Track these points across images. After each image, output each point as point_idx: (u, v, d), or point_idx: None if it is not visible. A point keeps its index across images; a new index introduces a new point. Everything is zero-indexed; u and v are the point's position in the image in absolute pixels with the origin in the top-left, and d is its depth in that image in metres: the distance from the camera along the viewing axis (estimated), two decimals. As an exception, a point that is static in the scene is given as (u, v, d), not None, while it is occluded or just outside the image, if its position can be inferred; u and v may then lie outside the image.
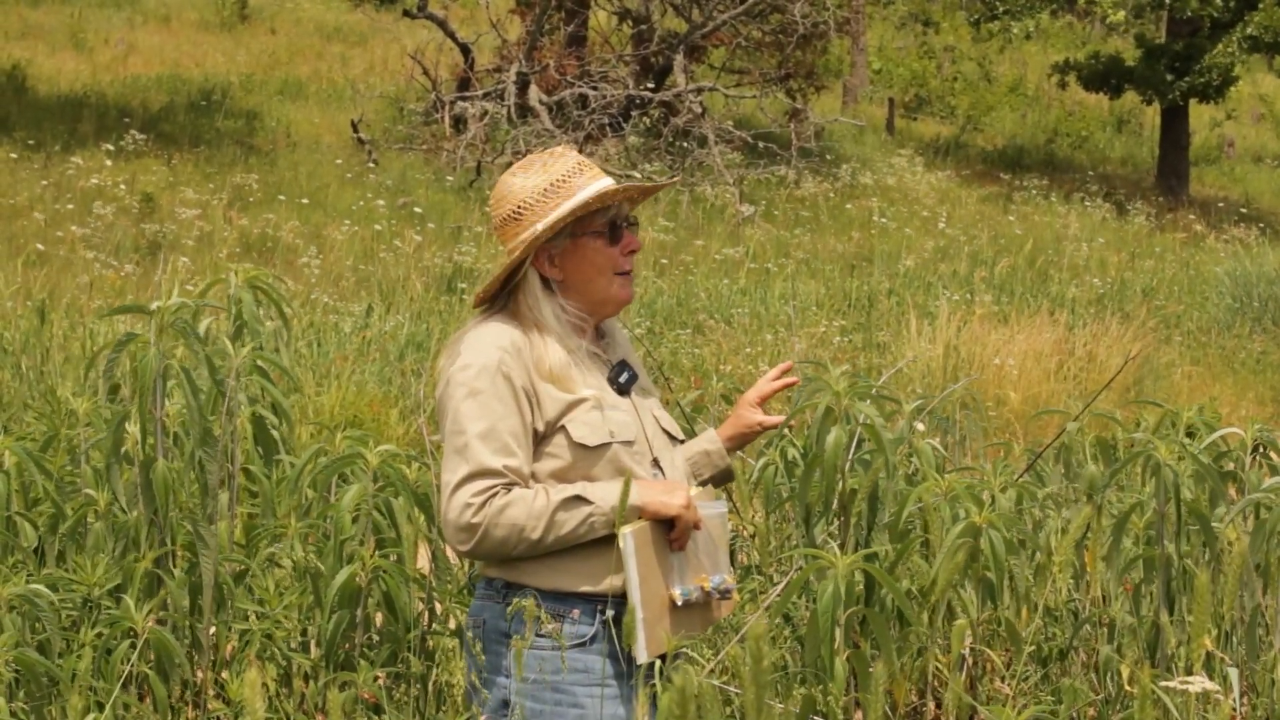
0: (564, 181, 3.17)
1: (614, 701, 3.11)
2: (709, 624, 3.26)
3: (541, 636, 3.08)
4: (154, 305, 3.86)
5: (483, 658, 3.17)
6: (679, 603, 3.12)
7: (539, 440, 3.11)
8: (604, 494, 3.06)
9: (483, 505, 3.02)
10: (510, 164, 17.30)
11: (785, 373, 3.51)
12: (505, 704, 3.12)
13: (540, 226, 3.14)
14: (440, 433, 3.14)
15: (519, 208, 3.18)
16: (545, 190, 3.16)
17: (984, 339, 10.97)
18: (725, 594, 3.22)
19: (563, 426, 3.10)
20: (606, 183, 3.19)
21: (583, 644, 3.11)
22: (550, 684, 3.08)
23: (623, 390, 3.24)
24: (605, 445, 3.13)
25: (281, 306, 4.41)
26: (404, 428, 8.51)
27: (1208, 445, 4.35)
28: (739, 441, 3.51)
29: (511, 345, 3.11)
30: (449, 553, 4.35)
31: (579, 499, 3.05)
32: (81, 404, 4.47)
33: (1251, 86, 31.56)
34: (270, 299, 4.37)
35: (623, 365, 3.27)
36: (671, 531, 3.13)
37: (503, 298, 3.23)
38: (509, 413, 3.06)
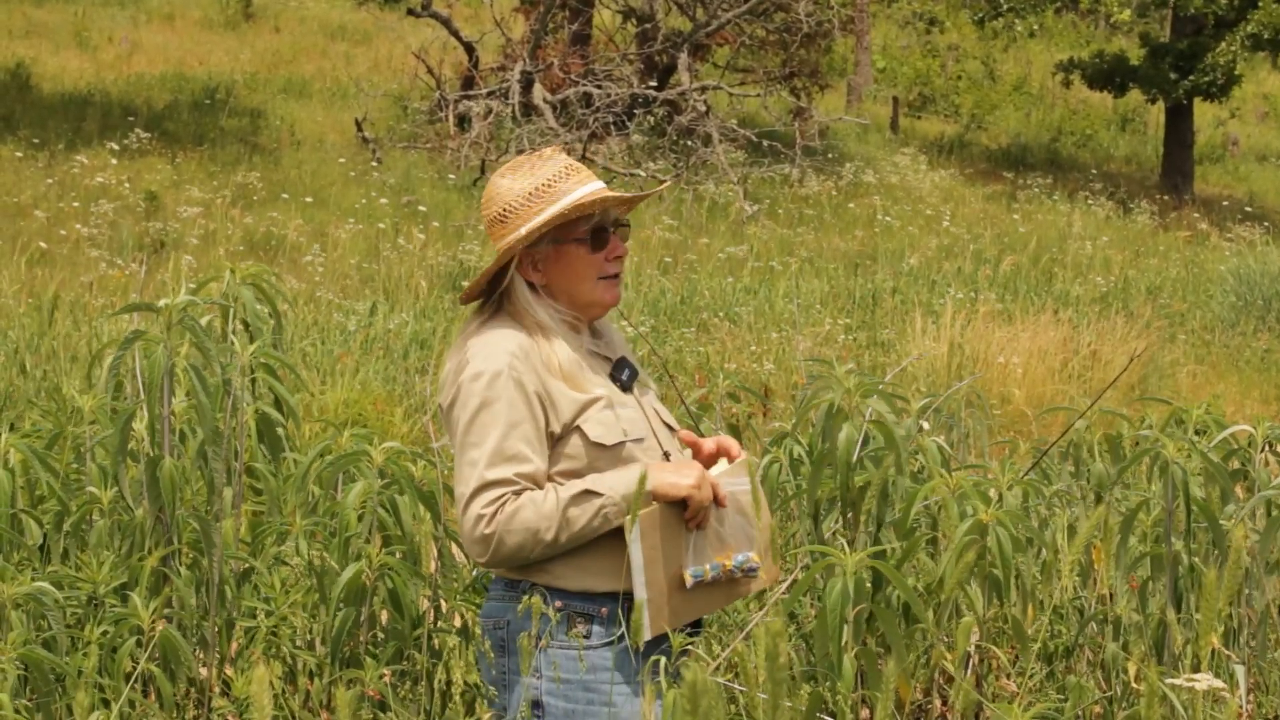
0: (549, 186, 3.16)
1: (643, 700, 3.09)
2: (732, 599, 3.23)
3: (572, 637, 3.06)
4: (161, 303, 3.86)
5: (492, 657, 3.16)
6: (689, 584, 3.09)
7: (555, 442, 3.10)
8: (612, 483, 3.04)
9: (494, 515, 3.01)
10: (512, 163, 17.36)
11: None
12: (535, 704, 3.09)
13: (522, 231, 3.13)
14: (451, 441, 3.12)
15: (504, 210, 3.17)
16: (530, 194, 3.16)
17: (988, 337, 10.97)
18: (750, 571, 3.17)
19: (578, 427, 3.09)
20: (593, 187, 3.18)
21: (612, 643, 3.09)
22: (581, 683, 3.06)
23: (625, 387, 3.24)
24: (620, 444, 3.13)
25: (276, 304, 4.40)
26: (408, 426, 8.51)
27: (1218, 443, 4.34)
28: None
29: (520, 350, 3.09)
30: (455, 550, 4.35)
31: (588, 493, 3.03)
32: (86, 401, 4.47)
33: (1255, 85, 31.55)
34: (266, 297, 4.36)
35: (623, 362, 3.27)
36: (686, 512, 3.10)
37: (494, 300, 3.22)
38: (522, 419, 3.05)
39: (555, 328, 3.16)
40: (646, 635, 3.02)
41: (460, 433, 3.07)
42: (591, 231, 3.18)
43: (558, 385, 3.10)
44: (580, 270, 3.18)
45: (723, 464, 3.21)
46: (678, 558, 3.09)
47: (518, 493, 3.02)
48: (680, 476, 3.09)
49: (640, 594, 3.02)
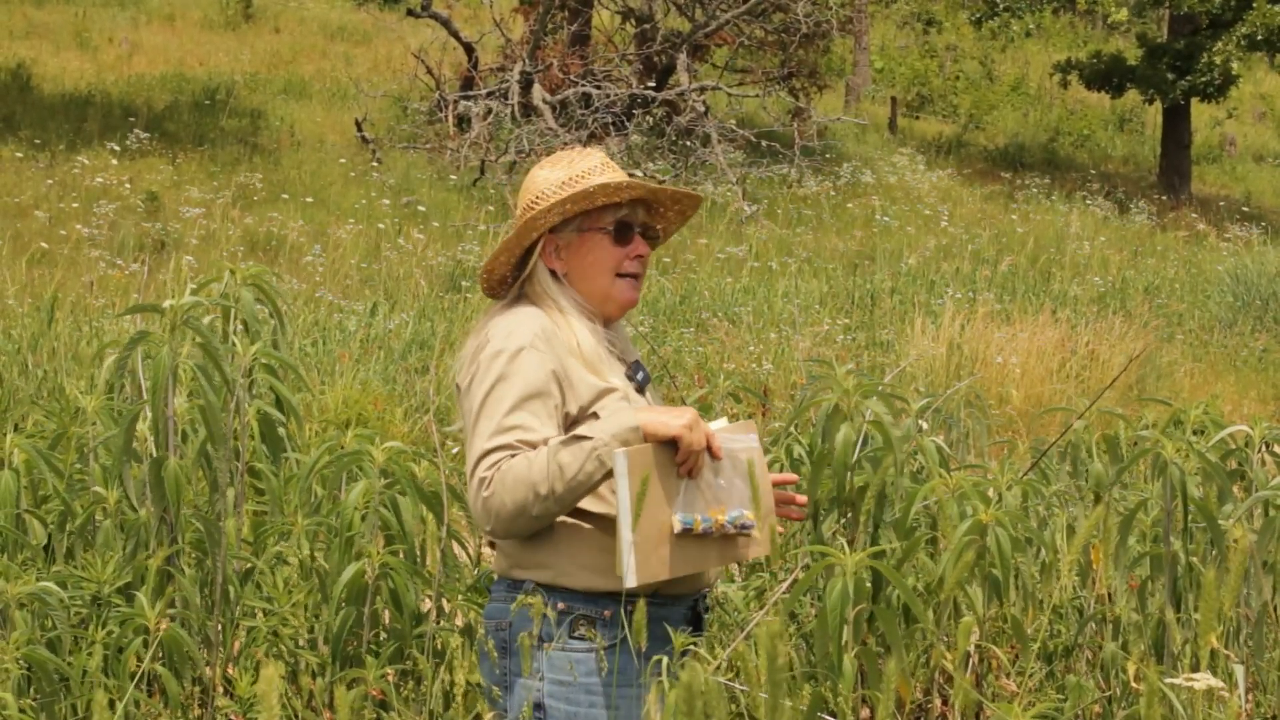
0: (583, 177, 3.19)
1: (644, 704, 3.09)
2: (726, 560, 3.17)
3: (576, 638, 3.06)
4: (166, 304, 3.88)
5: (494, 658, 3.16)
6: (677, 529, 3.01)
7: (569, 425, 3.08)
8: (601, 427, 2.99)
9: (492, 479, 2.98)
10: (514, 163, 17.43)
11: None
12: (538, 707, 3.07)
13: (546, 205, 3.16)
14: (466, 420, 3.10)
15: (537, 198, 3.21)
16: (563, 183, 3.19)
17: (987, 337, 10.99)
18: (744, 529, 3.09)
19: (594, 414, 3.09)
20: (622, 181, 3.21)
21: (615, 645, 3.08)
22: (584, 686, 3.05)
23: (640, 389, 3.25)
24: None
25: (277, 304, 4.41)
26: (408, 425, 8.53)
27: (1215, 443, 4.36)
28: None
29: (542, 330, 3.10)
30: (456, 550, 4.37)
31: (576, 437, 2.98)
32: (90, 402, 4.49)
33: (1252, 85, 31.57)
34: (267, 297, 4.38)
35: (638, 364, 3.28)
36: (678, 455, 3.04)
37: (516, 288, 3.23)
38: (535, 393, 3.04)
39: (576, 314, 3.18)
40: (631, 581, 2.96)
41: (475, 408, 3.06)
42: (617, 224, 3.21)
43: (578, 369, 3.10)
44: (600, 260, 3.20)
45: (724, 421, 3.16)
46: (668, 502, 3.02)
47: (514, 455, 3.01)
48: (672, 417, 3.03)
49: (626, 535, 2.95)
